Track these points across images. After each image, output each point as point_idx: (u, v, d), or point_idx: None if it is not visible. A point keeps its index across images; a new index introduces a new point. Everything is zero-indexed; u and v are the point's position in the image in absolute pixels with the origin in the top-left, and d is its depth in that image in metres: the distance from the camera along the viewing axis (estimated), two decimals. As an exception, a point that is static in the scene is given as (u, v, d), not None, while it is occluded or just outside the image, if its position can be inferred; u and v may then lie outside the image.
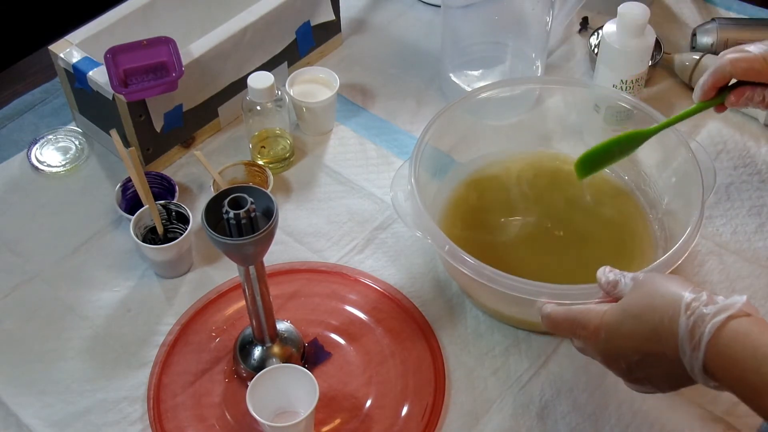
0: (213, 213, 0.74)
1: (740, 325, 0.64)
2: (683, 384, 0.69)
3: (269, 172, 1.05)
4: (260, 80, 1.04)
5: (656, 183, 1.02)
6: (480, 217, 1.02)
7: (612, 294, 0.75)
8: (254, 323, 0.86)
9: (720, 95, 0.90)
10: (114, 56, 1.01)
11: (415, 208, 0.90)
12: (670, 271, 0.85)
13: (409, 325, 0.94)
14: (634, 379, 0.73)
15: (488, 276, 0.84)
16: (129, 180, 1.01)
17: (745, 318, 0.64)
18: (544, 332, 0.94)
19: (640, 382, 0.73)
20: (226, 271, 1.00)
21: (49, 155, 1.12)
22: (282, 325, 0.91)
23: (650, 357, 0.69)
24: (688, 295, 0.67)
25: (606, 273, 0.76)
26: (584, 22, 1.29)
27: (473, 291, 0.95)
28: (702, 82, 0.90)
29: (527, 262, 0.97)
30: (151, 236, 0.99)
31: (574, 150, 1.09)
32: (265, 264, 0.80)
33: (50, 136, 1.14)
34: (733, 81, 0.89)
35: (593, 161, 0.94)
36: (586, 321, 0.74)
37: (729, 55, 0.88)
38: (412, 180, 0.92)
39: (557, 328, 0.78)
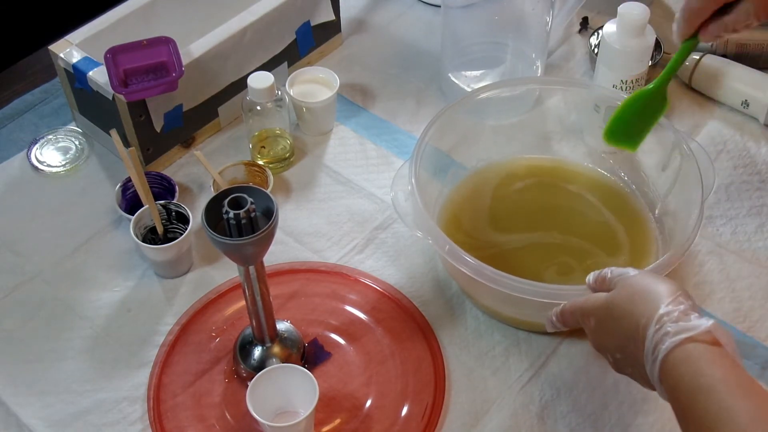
0: (213, 213, 0.74)
1: (694, 349, 0.65)
2: (654, 388, 0.71)
3: (269, 172, 1.05)
4: (260, 80, 1.04)
5: (656, 183, 1.02)
6: (480, 218, 1.02)
7: (602, 289, 0.76)
8: (254, 323, 0.86)
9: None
10: (114, 56, 1.01)
11: (416, 208, 0.90)
12: (669, 270, 0.85)
13: (409, 325, 0.94)
14: (620, 371, 0.75)
15: (488, 276, 0.84)
16: (129, 180, 1.01)
17: (702, 345, 0.65)
18: (544, 332, 0.94)
19: (626, 374, 0.74)
20: (226, 271, 1.00)
21: (49, 155, 1.12)
22: (282, 325, 0.91)
23: (629, 357, 0.71)
24: (663, 308, 0.68)
25: (590, 276, 0.78)
26: (584, 22, 1.29)
27: (473, 291, 0.95)
28: (675, 24, 0.89)
29: (527, 262, 0.97)
30: (151, 236, 0.99)
31: (574, 150, 1.09)
32: (265, 264, 0.80)
33: (50, 136, 1.14)
34: None
35: (626, 130, 0.93)
36: (585, 309, 0.76)
37: None
38: (413, 180, 0.92)
39: (567, 321, 0.79)
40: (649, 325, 0.68)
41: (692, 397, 0.64)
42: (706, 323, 0.66)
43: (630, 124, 0.93)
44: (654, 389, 0.70)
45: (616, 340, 0.72)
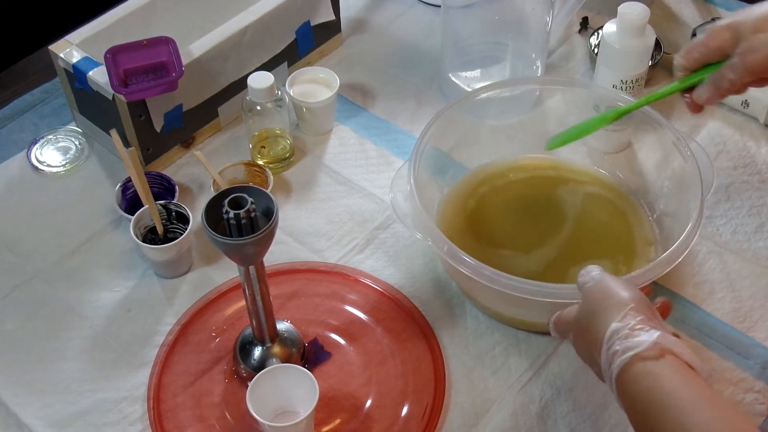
0: (213, 213, 0.74)
1: (643, 368, 0.65)
2: None
3: (269, 172, 1.05)
4: (260, 80, 1.04)
5: (655, 183, 1.02)
6: (479, 218, 1.02)
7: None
8: (254, 323, 0.86)
9: (699, 73, 0.88)
10: (114, 56, 1.01)
11: (415, 209, 0.90)
12: (667, 270, 0.85)
13: (409, 325, 0.94)
14: (602, 380, 0.74)
15: (488, 276, 0.84)
16: (129, 180, 1.01)
17: (650, 362, 0.65)
18: (544, 332, 0.94)
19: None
20: (226, 271, 1.00)
21: (49, 155, 1.12)
22: (282, 325, 0.91)
23: (597, 371, 0.72)
24: (613, 325, 0.68)
25: (581, 273, 0.77)
26: (584, 22, 1.29)
27: (473, 291, 0.95)
28: (677, 62, 0.88)
29: (526, 262, 0.97)
30: (151, 236, 0.99)
31: (574, 150, 1.09)
32: (265, 264, 0.80)
33: (50, 136, 1.14)
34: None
35: (564, 140, 0.97)
36: (565, 323, 0.77)
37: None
38: (412, 181, 0.92)
39: (560, 333, 0.80)
40: (602, 343, 0.68)
41: (645, 413, 0.64)
42: (650, 338, 0.66)
43: (571, 137, 0.96)
44: None
45: (587, 351, 0.73)
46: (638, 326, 0.67)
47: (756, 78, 0.83)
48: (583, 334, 0.73)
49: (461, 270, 0.86)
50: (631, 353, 0.66)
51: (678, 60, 0.88)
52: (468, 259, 0.85)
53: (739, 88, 0.85)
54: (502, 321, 0.95)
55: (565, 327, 0.78)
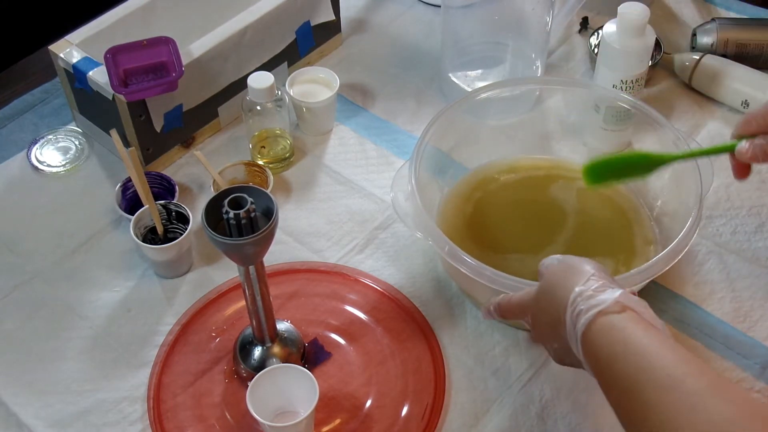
0: (213, 213, 0.74)
1: (607, 321, 0.67)
2: None
3: (269, 172, 1.05)
4: (260, 80, 1.04)
5: (654, 183, 1.02)
6: (480, 218, 1.02)
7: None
8: (254, 323, 0.86)
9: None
10: (114, 56, 1.01)
11: (416, 208, 0.90)
12: (665, 269, 0.85)
13: (409, 325, 0.94)
14: (561, 362, 0.76)
15: (488, 276, 0.84)
16: (129, 180, 1.01)
17: (615, 315, 0.67)
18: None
19: (567, 365, 0.76)
20: (226, 271, 1.00)
21: (49, 155, 1.12)
22: (282, 325, 0.91)
23: (562, 345, 0.73)
24: (577, 288, 0.70)
25: (542, 262, 0.78)
26: (584, 22, 1.29)
27: (473, 291, 0.95)
28: (746, 119, 0.84)
29: (527, 262, 0.97)
30: (151, 236, 0.99)
31: (574, 150, 1.09)
32: (265, 264, 0.80)
33: (50, 136, 1.14)
34: None
35: (603, 172, 0.91)
36: (520, 305, 0.78)
37: None
38: (413, 181, 0.92)
39: (506, 315, 0.81)
40: (566, 308, 0.70)
41: (610, 366, 0.66)
42: (612, 296, 0.68)
43: (610, 170, 0.90)
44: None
45: (548, 329, 0.74)
46: (600, 288, 0.69)
47: None
48: (545, 310, 0.74)
49: (462, 270, 0.86)
50: (594, 310, 0.67)
51: (737, 127, 0.86)
52: (468, 259, 0.85)
53: None
54: (502, 321, 0.95)
55: (518, 309, 0.79)
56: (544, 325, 0.75)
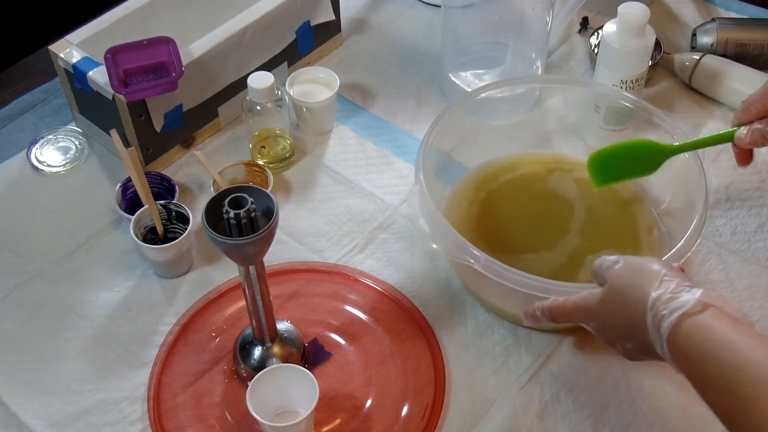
0: (213, 213, 0.74)
1: (692, 323, 0.67)
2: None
3: (269, 172, 1.05)
4: (260, 80, 1.04)
5: (658, 182, 1.02)
6: (488, 220, 1.01)
7: (599, 283, 0.78)
8: (254, 323, 0.86)
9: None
10: (114, 56, 1.01)
11: (442, 229, 0.88)
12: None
13: (409, 325, 0.94)
14: (634, 359, 0.76)
15: (539, 286, 0.83)
16: (129, 180, 1.01)
17: (700, 315, 0.67)
18: (545, 330, 0.94)
19: (640, 360, 0.76)
20: (226, 271, 1.00)
21: (49, 155, 1.12)
22: (282, 325, 0.91)
23: (639, 345, 0.73)
24: (653, 293, 0.70)
25: (596, 262, 0.79)
26: (584, 22, 1.29)
27: (480, 289, 0.94)
28: (745, 104, 0.87)
29: (545, 260, 0.96)
30: (151, 236, 0.99)
31: (574, 150, 1.09)
32: (265, 264, 0.80)
33: (50, 136, 1.14)
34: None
35: (608, 167, 0.92)
36: (581, 312, 0.78)
37: None
38: (424, 188, 0.90)
39: (558, 318, 0.81)
40: (645, 312, 0.70)
41: (702, 366, 0.65)
42: (693, 296, 0.68)
43: (616, 163, 0.92)
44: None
45: (621, 332, 0.74)
46: (677, 289, 0.69)
47: None
48: (616, 313, 0.74)
49: (501, 282, 0.84)
50: (678, 313, 0.67)
51: (736, 115, 0.88)
52: (507, 270, 0.83)
53: None
54: (505, 318, 0.95)
55: (579, 313, 0.78)
56: (616, 328, 0.75)
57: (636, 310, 0.71)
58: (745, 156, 0.89)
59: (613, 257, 0.76)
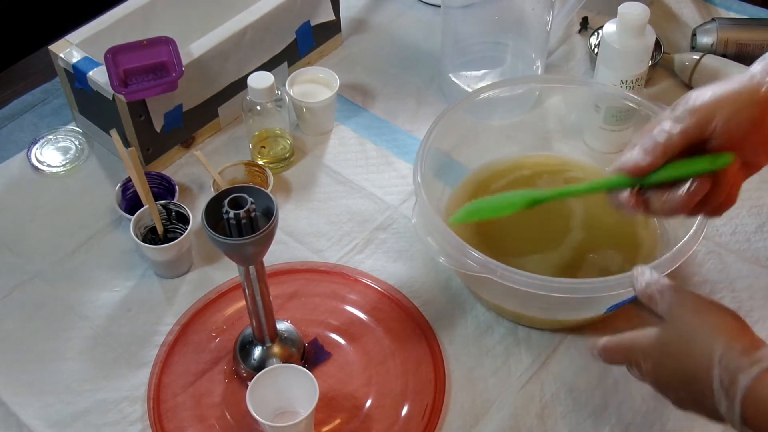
0: (213, 213, 0.74)
1: None
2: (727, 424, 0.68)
3: (269, 172, 1.05)
4: (260, 80, 1.04)
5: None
6: (489, 222, 1.01)
7: (650, 305, 0.73)
8: (254, 323, 0.86)
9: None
10: (114, 56, 1.01)
11: (454, 243, 0.87)
12: (669, 271, 0.85)
13: (409, 325, 0.94)
14: (683, 408, 0.71)
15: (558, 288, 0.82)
16: (129, 180, 1.01)
17: None
18: (544, 328, 0.94)
19: (689, 411, 0.71)
20: (226, 271, 1.00)
21: (49, 155, 1.12)
22: (282, 325, 0.91)
23: (694, 395, 0.68)
24: (723, 346, 0.65)
25: (640, 278, 0.74)
26: (584, 22, 1.29)
27: (482, 289, 0.94)
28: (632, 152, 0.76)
29: (549, 260, 0.96)
30: (151, 236, 0.99)
31: (574, 150, 1.09)
32: (265, 264, 0.80)
33: (50, 136, 1.14)
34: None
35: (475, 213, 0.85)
36: (636, 350, 0.72)
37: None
38: (424, 196, 0.89)
39: (613, 359, 0.76)
40: (712, 365, 0.65)
41: None
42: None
43: (483, 211, 0.85)
44: (723, 423, 0.67)
45: (677, 379, 0.69)
46: (751, 345, 0.65)
47: None
48: (674, 357, 0.69)
49: (527, 291, 0.83)
50: (757, 370, 0.63)
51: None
52: (525, 276, 0.82)
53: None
54: (505, 317, 0.95)
55: (634, 354, 0.72)
56: (671, 375, 0.70)
57: (699, 360, 0.66)
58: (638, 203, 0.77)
59: (660, 282, 0.72)
